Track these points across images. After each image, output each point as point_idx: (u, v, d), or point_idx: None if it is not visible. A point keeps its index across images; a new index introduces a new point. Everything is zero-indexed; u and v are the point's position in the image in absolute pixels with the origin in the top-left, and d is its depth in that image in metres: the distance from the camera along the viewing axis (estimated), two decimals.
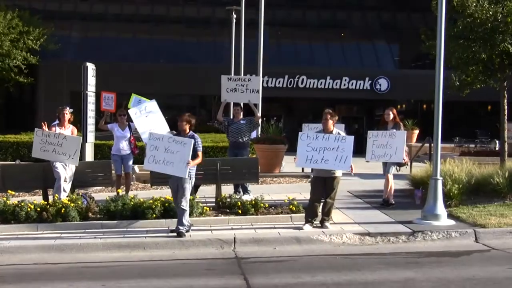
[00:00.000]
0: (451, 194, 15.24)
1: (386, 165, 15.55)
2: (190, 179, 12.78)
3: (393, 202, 15.64)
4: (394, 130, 15.32)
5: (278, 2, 36.06)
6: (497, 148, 26.79)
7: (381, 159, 15.34)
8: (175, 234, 12.58)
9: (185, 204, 12.71)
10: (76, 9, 42.84)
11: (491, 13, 17.74)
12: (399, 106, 40.49)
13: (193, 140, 12.83)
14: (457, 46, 17.94)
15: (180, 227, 12.61)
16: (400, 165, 15.78)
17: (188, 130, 12.93)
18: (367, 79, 40.80)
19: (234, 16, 36.84)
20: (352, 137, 13.46)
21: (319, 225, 13.37)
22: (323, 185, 13.42)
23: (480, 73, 18.56)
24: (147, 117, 15.96)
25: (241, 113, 16.92)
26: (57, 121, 15.43)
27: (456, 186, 15.42)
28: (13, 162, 21.64)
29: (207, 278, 10.19)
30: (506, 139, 19.36)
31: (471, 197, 15.73)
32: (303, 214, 13.81)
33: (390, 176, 15.61)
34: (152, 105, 16.44)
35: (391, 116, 15.71)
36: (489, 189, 15.84)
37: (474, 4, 17.70)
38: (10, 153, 24.75)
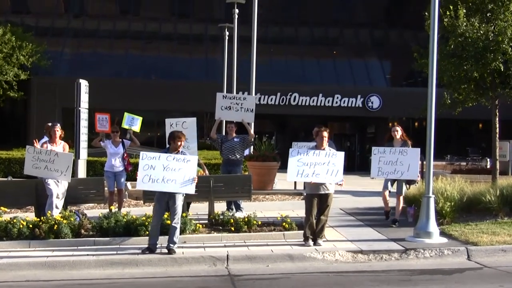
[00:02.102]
0: (444, 212, 15.25)
1: (397, 184, 15.55)
2: (182, 196, 12.80)
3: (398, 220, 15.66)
4: (405, 147, 15.31)
5: (270, 19, 36.20)
6: (488, 166, 26.83)
7: (390, 176, 15.24)
8: (166, 251, 12.59)
9: (178, 222, 12.72)
10: (69, 26, 42.85)
11: (482, 32, 17.83)
12: (390, 124, 40.55)
13: (197, 156, 13.03)
14: (449, 64, 18.02)
15: (171, 245, 12.61)
16: (409, 183, 15.78)
17: (180, 149, 12.99)
18: (359, 96, 40.93)
19: (227, 33, 37.02)
20: (343, 153, 13.63)
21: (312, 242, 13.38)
22: (317, 202, 13.46)
23: (472, 91, 18.64)
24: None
25: (235, 131, 16.99)
26: (46, 138, 15.40)
27: (448, 204, 15.44)
28: (5, 179, 21.59)
29: None
30: (497, 157, 19.41)
31: (463, 215, 15.76)
32: (296, 232, 13.82)
33: (402, 197, 15.64)
34: (190, 122, 16.23)
35: (400, 133, 15.73)
36: (481, 207, 15.87)
37: (465, 24, 17.79)
38: (1, 169, 24.73)
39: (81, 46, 42.11)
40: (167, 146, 13.14)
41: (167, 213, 12.94)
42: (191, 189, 12.75)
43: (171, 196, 12.68)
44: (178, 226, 12.76)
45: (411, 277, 11.32)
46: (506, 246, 13.12)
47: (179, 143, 12.92)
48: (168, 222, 12.74)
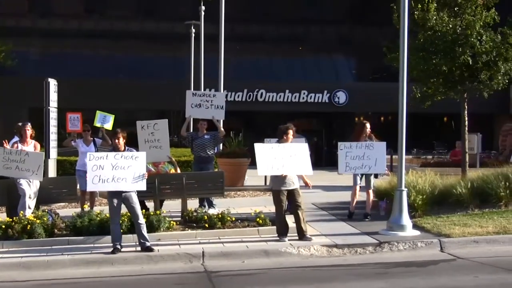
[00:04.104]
0: (416, 205, 15.31)
1: (365, 179, 15.59)
2: (135, 193, 12.77)
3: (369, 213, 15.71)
4: (371, 141, 15.36)
5: (237, 16, 36.09)
6: (450, 159, 27.02)
7: (358, 171, 15.26)
8: (139, 249, 12.55)
9: (141, 219, 12.72)
10: (35, 26, 42.42)
11: (450, 26, 17.94)
12: (356, 119, 40.71)
13: (145, 152, 13.11)
14: (418, 58, 18.09)
15: (146, 242, 12.54)
16: (376, 176, 15.90)
17: (124, 146, 12.96)
18: (325, 92, 41.03)
19: (193, 31, 36.94)
20: (306, 144, 13.95)
21: (297, 238, 13.30)
22: (286, 197, 13.44)
23: (441, 85, 18.71)
24: (153, 133, 15.67)
25: (206, 128, 16.92)
26: (16, 138, 15.25)
27: (420, 197, 15.51)
28: None
29: None
30: (467, 150, 19.52)
31: (435, 208, 15.80)
32: (270, 227, 13.81)
33: (371, 191, 15.76)
34: (161, 123, 15.99)
35: (369, 128, 15.78)
36: (452, 200, 15.94)
37: (435, 18, 17.89)
38: None
39: (48, 46, 41.70)
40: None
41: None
42: (143, 186, 12.68)
43: (125, 197, 12.63)
44: (144, 222, 12.75)
45: (386, 270, 11.36)
46: (478, 237, 13.24)
47: (116, 141, 12.92)
48: None
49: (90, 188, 13.31)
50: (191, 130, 17.49)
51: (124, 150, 12.88)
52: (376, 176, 16.00)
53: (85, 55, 41.69)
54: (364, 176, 15.55)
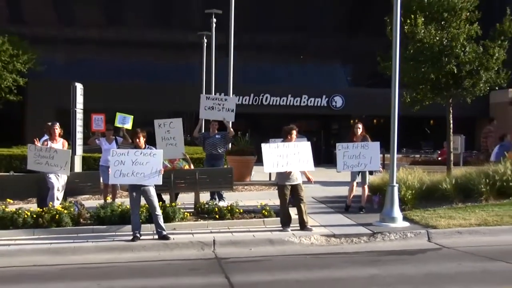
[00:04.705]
0: (406, 199, 15.37)
1: (361, 175, 15.65)
2: (153, 187, 12.86)
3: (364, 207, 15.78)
4: (366, 141, 15.43)
5: (243, 27, 36.05)
6: (438, 158, 27.03)
7: (355, 169, 15.32)
8: (156, 237, 12.67)
9: (158, 211, 12.85)
10: (61, 34, 42.45)
11: (437, 38, 17.97)
12: (351, 121, 40.66)
13: (162, 150, 13.21)
14: (409, 67, 18.11)
15: (163, 232, 12.65)
16: (370, 173, 16.01)
17: (144, 145, 13.06)
18: (324, 96, 40.99)
19: (205, 40, 37.00)
20: (308, 142, 14.01)
21: (298, 228, 13.37)
22: (290, 191, 13.51)
23: (428, 91, 18.74)
24: (168, 131, 15.71)
25: (217, 128, 17.01)
26: (46, 136, 15.35)
27: (410, 192, 15.58)
28: (8, 173, 21.38)
29: (192, 277, 10.22)
30: (451, 149, 19.56)
31: (422, 202, 15.85)
32: (275, 218, 13.90)
33: (366, 186, 15.85)
34: (176, 121, 15.92)
35: (361, 129, 15.88)
36: (438, 195, 15.99)
37: (423, 31, 17.92)
38: (3, 165, 24.51)
39: (72, 52, 41.73)
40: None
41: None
42: (159, 180, 12.81)
43: (144, 191, 12.75)
44: (160, 213, 12.88)
45: (379, 258, 11.43)
46: (461, 229, 13.32)
47: (137, 140, 13.06)
48: None
49: (111, 181, 13.48)
50: (203, 131, 17.51)
51: (144, 148, 12.99)
52: (371, 173, 16.11)
53: (106, 61, 41.67)
54: (360, 173, 15.63)
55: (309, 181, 13.89)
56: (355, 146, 15.22)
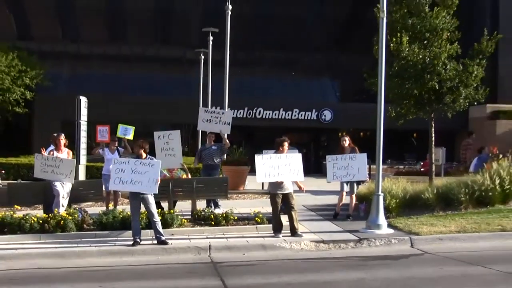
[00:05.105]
0: (390, 207, 15.37)
1: (349, 185, 15.66)
2: (151, 195, 12.85)
3: (351, 214, 15.77)
4: (353, 153, 15.46)
5: (238, 44, 36.10)
6: (421, 169, 27.12)
7: (344, 179, 15.32)
8: (155, 242, 12.65)
9: (156, 217, 12.84)
10: (66, 50, 42.56)
11: (420, 56, 18.06)
12: (340, 134, 40.71)
13: (160, 161, 13.20)
14: (393, 83, 18.20)
15: (161, 237, 12.64)
16: (359, 183, 16.02)
17: (144, 155, 13.05)
18: (314, 110, 41.03)
19: (203, 57, 37.08)
20: (299, 154, 13.91)
21: (289, 234, 13.36)
22: (281, 200, 13.53)
23: (412, 106, 18.82)
24: (167, 143, 15.69)
25: (213, 140, 17.04)
26: (52, 146, 15.34)
27: (394, 200, 15.60)
28: (16, 181, 21.34)
29: (189, 279, 10.22)
30: (433, 161, 19.63)
31: (406, 210, 15.84)
32: (267, 225, 13.88)
33: (354, 196, 15.82)
34: (175, 133, 15.98)
35: (347, 142, 15.92)
36: (421, 203, 16.00)
37: (407, 49, 18.01)
38: (12, 173, 24.53)
39: (77, 67, 41.80)
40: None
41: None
42: (155, 189, 12.77)
43: (143, 198, 12.75)
44: (158, 220, 12.87)
45: (365, 262, 11.43)
46: (442, 235, 13.33)
47: (139, 151, 13.04)
48: None
49: (111, 187, 13.53)
50: (200, 143, 17.57)
51: (144, 158, 13.00)
52: (358, 183, 16.11)
53: (109, 75, 41.70)
54: (349, 183, 15.66)
55: (300, 190, 13.91)
56: (343, 158, 15.25)
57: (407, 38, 17.98)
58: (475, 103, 19.69)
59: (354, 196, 15.84)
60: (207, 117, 16.74)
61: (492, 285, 9.41)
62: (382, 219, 14.01)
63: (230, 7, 26.70)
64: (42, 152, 14.70)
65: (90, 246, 12.47)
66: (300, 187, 13.87)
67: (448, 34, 18.55)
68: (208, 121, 16.69)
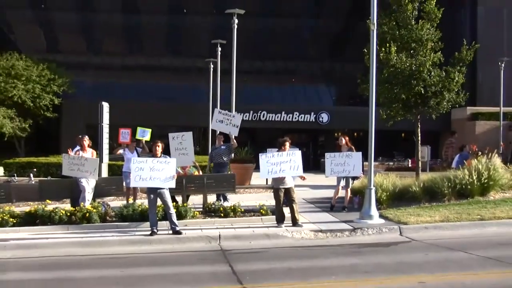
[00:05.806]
0: (381, 200, 15.42)
1: (345, 180, 15.68)
2: (167, 190, 12.90)
3: (346, 206, 15.79)
4: (350, 152, 15.47)
5: (244, 54, 36.01)
6: (410, 165, 27.06)
7: (340, 175, 15.36)
8: (171, 232, 12.68)
9: (172, 210, 12.90)
10: (90, 61, 42.72)
11: (407, 64, 18.02)
12: (335, 134, 40.63)
13: (175, 159, 13.37)
14: (384, 89, 18.17)
15: (176, 227, 12.67)
16: (354, 178, 16.06)
17: (160, 154, 13.10)
18: (312, 113, 40.99)
19: (212, 66, 37.10)
20: (299, 151, 13.82)
21: (291, 224, 13.36)
22: (283, 194, 13.55)
23: (400, 109, 18.76)
24: (181, 143, 15.73)
25: (222, 140, 17.09)
26: (78, 147, 15.38)
27: (385, 194, 15.64)
28: (46, 178, 21.40)
29: (201, 265, 10.24)
30: (419, 158, 19.61)
31: (395, 202, 15.88)
32: (272, 216, 13.90)
33: (349, 189, 15.85)
34: (188, 135, 15.90)
35: (343, 141, 15.96)
36: (409, 196, 16.04)
37: (395, 58, 17.99)
38: (42, 172, 24.61)
39: (99, 77, 41.89)
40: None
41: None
42: (173, 184, 12.90)
43: (160, 194, 12.79)
44: (174, 212, 12.92)
45: (359, 249, 11.45)
46: (428, 225, 13.37)
47: (155, 149, 13.13)
48: None
49: (133, 184, 13.51)
50: (210, 144, 17.63)
51: (160, 157, 13.04)
52: (353, 179, 16.13)
53: (128, 83, 41.83)
54: (344, 178, 15.67)
55: (302, 179, 13.87)
56: (340, 155, 15.29)
57: (395, 48, 17.96)
58: (457, 105, 19.67)
59: (349, 190, 15.86)
60: (220, 118, 16.76)
61: (472, 268, 9.42)
62: (374, 211, 14.04)
63: (236, 21, 26.72)
64: (69, 152, 14.74)
65: (112, 236, 12.52)
66: (302, 177, 13.84)
67: (432, 44, 18.51)
68: (220, 122, 16.71)
